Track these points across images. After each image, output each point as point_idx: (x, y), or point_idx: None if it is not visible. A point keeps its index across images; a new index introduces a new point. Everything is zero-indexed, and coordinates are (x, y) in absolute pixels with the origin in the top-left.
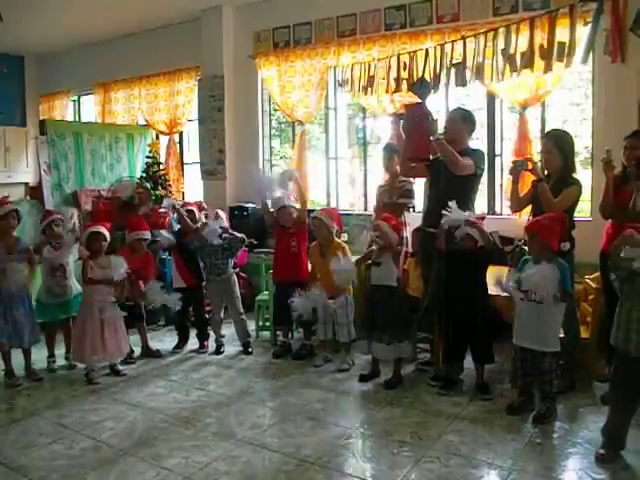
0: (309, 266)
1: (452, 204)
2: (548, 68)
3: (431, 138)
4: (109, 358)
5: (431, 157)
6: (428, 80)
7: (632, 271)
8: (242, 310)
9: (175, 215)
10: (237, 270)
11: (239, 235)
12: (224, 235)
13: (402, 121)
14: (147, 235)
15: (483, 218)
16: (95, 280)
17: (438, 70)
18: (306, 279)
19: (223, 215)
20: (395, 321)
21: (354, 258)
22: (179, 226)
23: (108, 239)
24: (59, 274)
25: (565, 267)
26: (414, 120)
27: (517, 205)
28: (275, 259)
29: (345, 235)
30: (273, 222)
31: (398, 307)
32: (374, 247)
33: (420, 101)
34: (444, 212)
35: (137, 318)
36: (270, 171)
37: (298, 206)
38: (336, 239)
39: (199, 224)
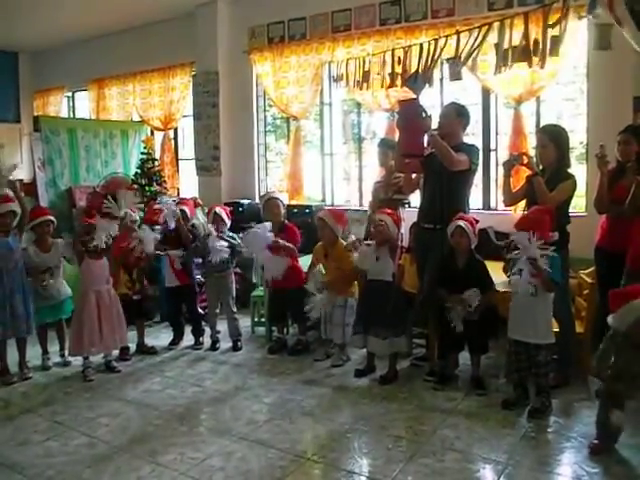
0: (302, 269)
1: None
2: (544, 63)
3: (425, 134)
4: (106, 350)
5: (425, 153)
6: (422, 75)
7: None
8: (235, 309)
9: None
10: (236, 269)
11: (236, 242)
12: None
13: (396, 117)
14: (137, 216)
15: (477, 221)
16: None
17: (432, 65)
18: (301, 284)
19: (220, 210)
20: (391, 316)
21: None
22: (173, 225)
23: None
24: (47, 276)
25: (554, 258)
26: (408, 116)
27: (509, 199)
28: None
29: (353, 236)
30: None
31: (394, 302)
32: (371, 242)
33: (414, 97)
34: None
35: (139, 315)
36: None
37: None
38: (341, 240)
39: (202, 232)
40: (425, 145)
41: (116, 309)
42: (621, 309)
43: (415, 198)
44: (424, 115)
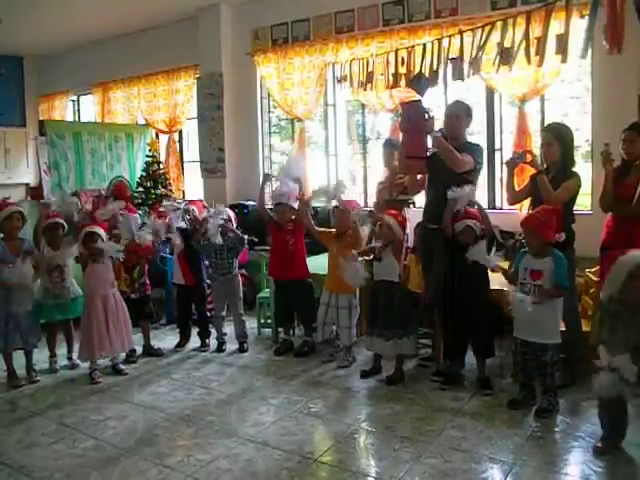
0: (307, 262)
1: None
2: (542, 61)
3: (429, 136)
4: (114, 353)
5: (429, 153)
6: (426, 75)
7: None
8: (242, 311)
9: (179, 215)
10: (242, 270)
11: (239, 235)
12: (227, 232)
13: (400, 118)
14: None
15: (481, 208)
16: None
17: (436, 65)
18: (305, 276)
19: (229, 211)
20: (396, 317)
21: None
22: (183, 224)
23: (105, 240)
24: (56, 275)
25: (560, 259)
26: (411, 117)
27: (514, 198)
28: (271, 257)
29: (365, 229)
30: (269, 219)
31: (399, 303)
32: (376, 243)
33: (417, 98)
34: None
35: (142, 317)
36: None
37: (295, 205)
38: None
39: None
40: (429, 146)
41: (122, 312)
42: (609, 275)
43: (420, 198)
44: (427, 116)
